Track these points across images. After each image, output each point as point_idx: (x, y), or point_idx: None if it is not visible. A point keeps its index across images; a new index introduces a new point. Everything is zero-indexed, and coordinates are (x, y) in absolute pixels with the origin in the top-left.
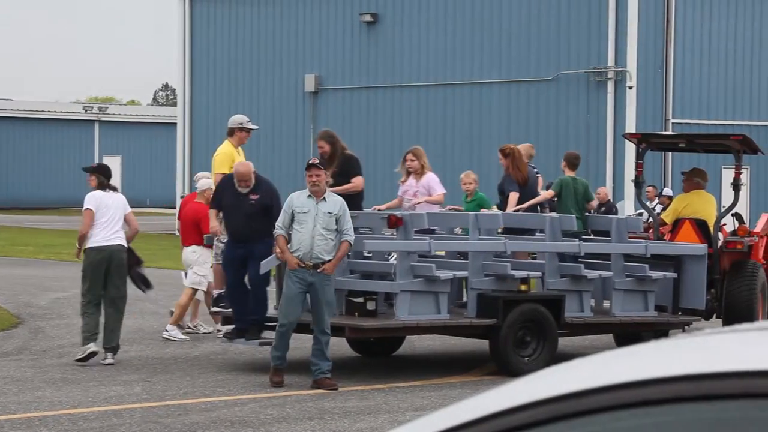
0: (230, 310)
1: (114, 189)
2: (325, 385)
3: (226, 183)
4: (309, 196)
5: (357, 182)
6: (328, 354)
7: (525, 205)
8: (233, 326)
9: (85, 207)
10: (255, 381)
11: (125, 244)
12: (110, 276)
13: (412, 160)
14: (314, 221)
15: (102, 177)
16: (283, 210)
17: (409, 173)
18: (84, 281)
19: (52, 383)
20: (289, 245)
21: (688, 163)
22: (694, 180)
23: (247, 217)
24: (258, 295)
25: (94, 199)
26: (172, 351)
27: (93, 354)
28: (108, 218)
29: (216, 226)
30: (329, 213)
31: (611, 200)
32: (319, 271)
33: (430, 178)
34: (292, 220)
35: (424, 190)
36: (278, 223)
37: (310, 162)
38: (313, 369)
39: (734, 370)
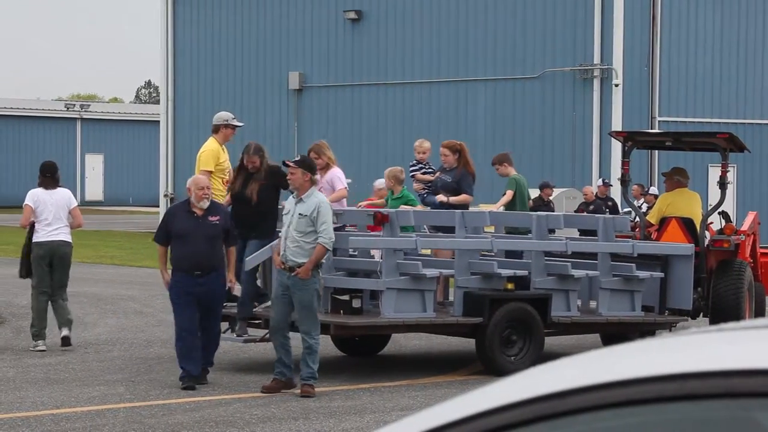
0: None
1: (55, 186)
2: (302, 392)
3: (176, 209)
4: (294, 196)
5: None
6: (311, 360)
7: (497, 206)
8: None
9: (24, 203)
10: (240, 380)
11: (69, 239)
12: (54, 269)
13: (315, 158)
14: (289, 223)
15: (42, 175)
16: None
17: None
18: (34, 275)
19: (35, 383)
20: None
21: (674, 161)
22: (674, 179)
23: (208, 243)
24: (215, 334)
25: (32, 196)
26: (156, 350)
27: (43, 351)
28: (47, 215)
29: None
30: (301, 215)
31: (598, 198)
32: (293, 274)
33: (334, 173)
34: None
35: (328, 186)
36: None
37: (284, 161)
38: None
39: (719, 369)
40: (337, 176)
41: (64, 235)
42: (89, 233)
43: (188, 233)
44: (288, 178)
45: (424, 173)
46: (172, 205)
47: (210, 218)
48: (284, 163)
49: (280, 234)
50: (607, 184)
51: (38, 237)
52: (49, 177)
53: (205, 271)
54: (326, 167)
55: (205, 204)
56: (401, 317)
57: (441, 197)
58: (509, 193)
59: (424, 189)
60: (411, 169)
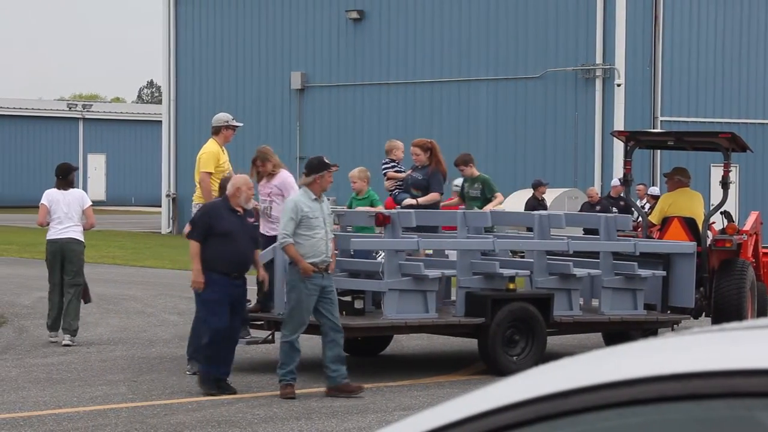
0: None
1: (68, 187)
2: (349, 390)
3: (218, 206)
4: (314, 199)
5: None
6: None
7: (490, 207)
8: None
9: (40, 202)
10: (242, 380)
11: (79, 237)
12: (65, 265)
13: (260, 165)
14: (325, 224)
15: (56, 177)
16: (289, 217)
17: (261, 176)
18: (48, 270)
19: (37, 383)
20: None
21: (676, 161)
22: (675, 179)
23: (251, 243)
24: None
25: (47, 196)
26: (158, 350)
27: (55, 342)
28: (59, 214)
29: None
30: (330, 214)
31: (611, 197)
32: (329, 272)
33: (285, 178)
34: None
35: (277, 191)
36: (286, 231)
37: (328, 162)
38: (333, 375)
39: (722, 369)
40: (288, 182)
41: (75, 233)
42: (92, 233)
43: (233, 232)
44: (331, 181)
45: (396, 171)
46: (208, 202)
47: (248, 219)
48: (330, 165)
49: (287, 243)
50: (617, 185)
51: (50, 235)
52: (61, 178)
53: (242, 272)
54: (273, 172)
55: (250, 205)
56: (403, 318)
57: (409, 200)
58: (500, 196)
59: (395, 187)
60: (384, 167)
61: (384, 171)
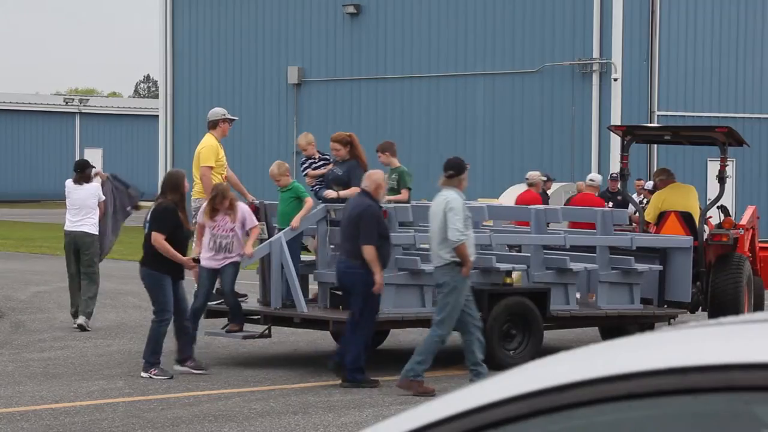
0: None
1: (83, 181)
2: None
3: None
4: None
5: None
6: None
7: (397, 198)
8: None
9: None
10: (239, 375)
11: (91, 231)
12: (80, 256)
13: (220, 203)
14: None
15: (75, 170)
16: (465, 215)
17: (217, 212)
18: (66, 261)
19: (34, 378)
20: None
21: (673, 155)
22: (660, 179)
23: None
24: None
25: (66, 188)
26: None
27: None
28: (72, 207)
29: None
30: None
31: (609, 192)
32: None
33: (244, 211)
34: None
35: (240, 226)
36: (462, 229)
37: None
38: (483, 372)
39: (718, 363)
40: (247, 212)
41: (87, 226)
42: None
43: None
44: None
45: (314, 168)
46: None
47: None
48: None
49: (462, 240)
50: (615, 179)
51: (65, 226)
52: (78, 172)
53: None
54: (232, 206)
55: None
56: (400, 313)
57: (330, 192)
58: (406, 193)
59: (316, 184)
60: (302, 166)
61: (304, 172)
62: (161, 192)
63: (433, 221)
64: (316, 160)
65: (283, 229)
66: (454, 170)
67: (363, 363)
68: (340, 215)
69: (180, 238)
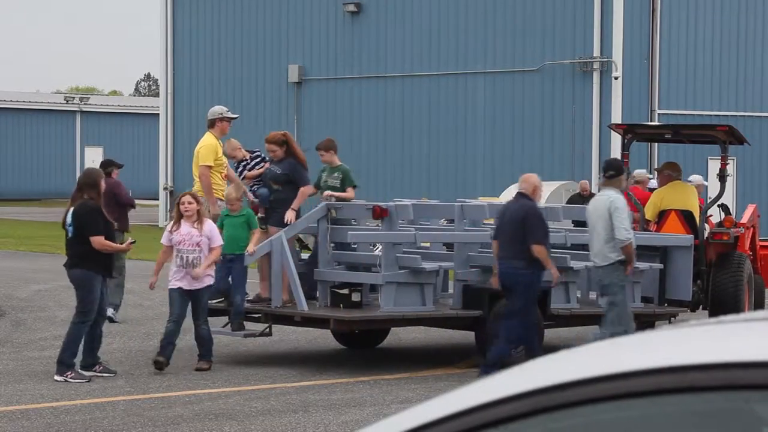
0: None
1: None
2: None
3: None
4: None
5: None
6: None
7: (343, 195)
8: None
9: None
10: (239, 373)
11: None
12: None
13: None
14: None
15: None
16: (630, 215)
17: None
18: None
19: (34, 376)
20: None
21: (674, 154)
22: (665, 173)
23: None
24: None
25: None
26: (155, 343)
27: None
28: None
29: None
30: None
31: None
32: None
33: (212, 226)
34: None
35: (206, 241)
36: (629, 226)
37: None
38: None
39: (719, 361)
40: (214, 231)
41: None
42: None
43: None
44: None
45: (250, 170)
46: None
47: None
48: None
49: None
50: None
51: None
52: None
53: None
54: (200, 215)
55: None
56: (400, 311)
57: (290, 216)
58: (351, 192)
59: (254, 184)
60: (238, 171)
61: (242, 176)
62: (78, 189)
63: (597, 221)
64: (249, 161)
65: (229, 256)
66: (615, 170)
67: (501, 362)
68: (341, 214)
69: (109, 231)
